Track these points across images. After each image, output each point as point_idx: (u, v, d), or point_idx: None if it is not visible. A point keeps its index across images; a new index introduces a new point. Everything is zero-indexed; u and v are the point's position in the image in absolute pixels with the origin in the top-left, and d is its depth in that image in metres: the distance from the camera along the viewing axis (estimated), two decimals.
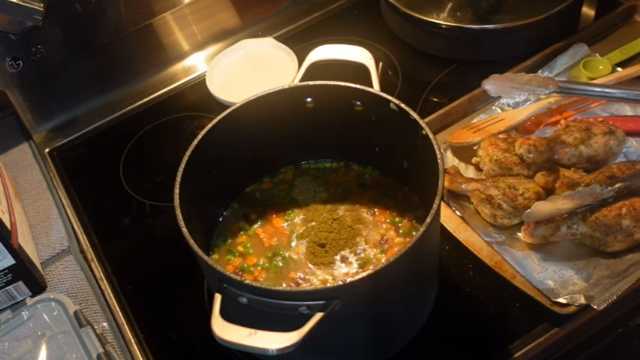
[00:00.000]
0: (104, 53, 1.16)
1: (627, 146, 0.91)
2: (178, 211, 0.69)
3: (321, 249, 0.79)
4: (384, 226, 0.81)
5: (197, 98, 1.19)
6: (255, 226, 0.84)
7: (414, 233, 0.79)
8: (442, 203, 0.88)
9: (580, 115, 0.98)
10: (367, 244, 0.79)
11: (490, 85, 0.98)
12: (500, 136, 0.92)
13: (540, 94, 0.98)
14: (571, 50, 1.05)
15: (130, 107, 1.20)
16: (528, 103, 1.00)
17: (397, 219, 0.82)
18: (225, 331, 0.60)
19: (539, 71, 1.04)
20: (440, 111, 1.01)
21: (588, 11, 1.17)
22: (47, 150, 1.16)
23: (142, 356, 0.84)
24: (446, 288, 0.83)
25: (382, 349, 0.77)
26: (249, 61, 1.18)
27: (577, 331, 0.78)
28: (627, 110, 0.96)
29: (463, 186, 0.89)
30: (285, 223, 0.83)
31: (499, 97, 1.01)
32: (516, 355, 0.76)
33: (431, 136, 0.71)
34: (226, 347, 0.60)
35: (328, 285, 0.61)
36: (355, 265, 0.78)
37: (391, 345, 0.77)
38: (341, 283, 0.61)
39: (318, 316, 0.60)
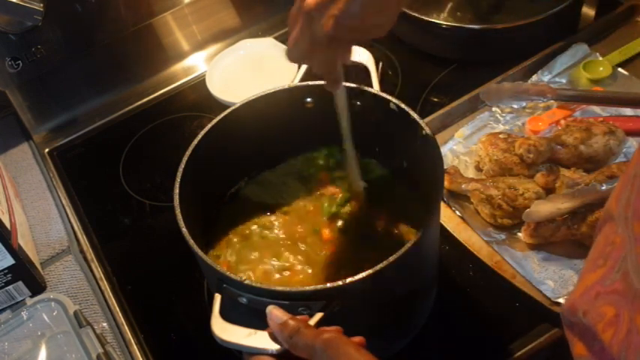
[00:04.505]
0: (104, 53, 1.16)
1: (627, 146, 0.91)
2: (178, 211, 0.69)
3: (320, 250, 0.79)
4: (383, 226, 0.81)
5: (197, 98, 1.19)
6: (255, 226, 0.84)
7: (413, 233, 0.79)
8: (442, 203, 0.88)
9: (579, 113, 0.98)
10: (367, 244, 0.79)
11: (488, 95, 0.99)
12: (500, 136, 0.92)
13: (538, 102, 0.99)
14: (571, 50, 1.05)
15: (130, 107, 1.20)
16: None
17: (397, 219, 0.81)
18: (225, 331, 0.60)
19: (539, 71, 1.04)
20: (440, 111, 1.01)
21: (588, 11, 1.17)
22: (47, 150, 1.16)
23: (141, 356, 0.84)
24: (446, 288, 0.83)
25: (382, 349, 0.77)
26: (249, 61, 1.18)
27: None
28: (627, 110, 0.96)
29: (463, 186, 0.89)
30: (285, 224, 0.83)
31: None
32: (516, 355, 0.76)
33: (431, 136, 0.71)
34: (226, 347, 0.60)
35: (328, 285, 0.61)
36: (355, 266, 0.77)
37: (391, 345, 0.77)
38: (340, 283, 0.61)
39: (318, 316, 0.60)
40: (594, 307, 0.50)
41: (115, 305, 0.89)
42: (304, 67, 0.89)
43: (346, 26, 0.61)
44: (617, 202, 0.50)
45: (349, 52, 0.69)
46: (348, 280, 0.61)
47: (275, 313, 0.58)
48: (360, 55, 0.89)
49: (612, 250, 0.50)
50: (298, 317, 0.58)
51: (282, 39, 1.21)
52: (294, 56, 0.67)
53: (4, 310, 0.90)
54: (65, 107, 1.19)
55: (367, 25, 0.63)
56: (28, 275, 0.89)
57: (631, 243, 0.46)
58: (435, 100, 1.08)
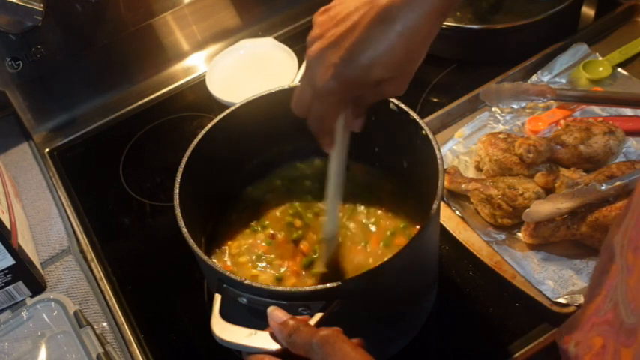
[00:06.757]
0: (104, 53, 1.16)
1: (627, 146, 0.91)
2: (178, 211, 0.69)
3: (319, 250, 0.79)
4: (383, 226, 0.81)
5: (197, 98, 1.19)
6: (255, 226, 0.84)
7: (413, 233, 0.79)
8: (442, 203, 0.88)
9: (579, 113, 0.98)
10: (366, 245, 0.79)
11: (488, 95, 1.00)
12: (500, 136, 0.92)
13: (538, 102, 0.99)
14: (571, 50, 1.05)
15: (130, 107, 1.21)
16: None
17: (397, 219, 0.81)
18: (225, 331, 0.60)
19: (539, 72, 1.04)
20: (440, 111, 1.01)
21: (588, 11, 1.17)
22: (47, 150, 1.16)
23: (141, 356, 0.84)
24: (446, 288, 0.83)
25: (382, 349, 0.77)
26: (249, 61, 1.18)
27: None
28: (627, 110, 0.97)
29: (463, 186, 0.89)
30: (285, 224, 0.83)
31: None
32: (516, 355, 0.76)
33: (431, 136, 0.71)
34: (226, 347, 0.60)
35: (328, 285, 0.61)
36: (355, 266, 0.77)
37: (391, 345, 0.77)
38: (340, 283, 0.61)
39: (318, 316, 0.60)
40: (586, 337, 0.49)
41: (115, 305, 0.89)
42: (304, 67, 0.89)
43: (347, 79, 0.53)
44: (618, 229, 0.49)
45: (358, 115, 0.60)
46: (348, 279, 0.61)
47: (276, 313, 0.58)
48: None
49: (606, 279, 0.50)
50: (298, 317, 0.58)
51: (282, 39, 1.21)
52: (296, 109, 0.62)
53: (4, 310, 0.90)
54: (65, 107, 1.19)
55: (373, 79, 0.54)
56: (28, 275, 0.89)
57: (623, 272, 0.45)
58: (435, 100, 1.09)
